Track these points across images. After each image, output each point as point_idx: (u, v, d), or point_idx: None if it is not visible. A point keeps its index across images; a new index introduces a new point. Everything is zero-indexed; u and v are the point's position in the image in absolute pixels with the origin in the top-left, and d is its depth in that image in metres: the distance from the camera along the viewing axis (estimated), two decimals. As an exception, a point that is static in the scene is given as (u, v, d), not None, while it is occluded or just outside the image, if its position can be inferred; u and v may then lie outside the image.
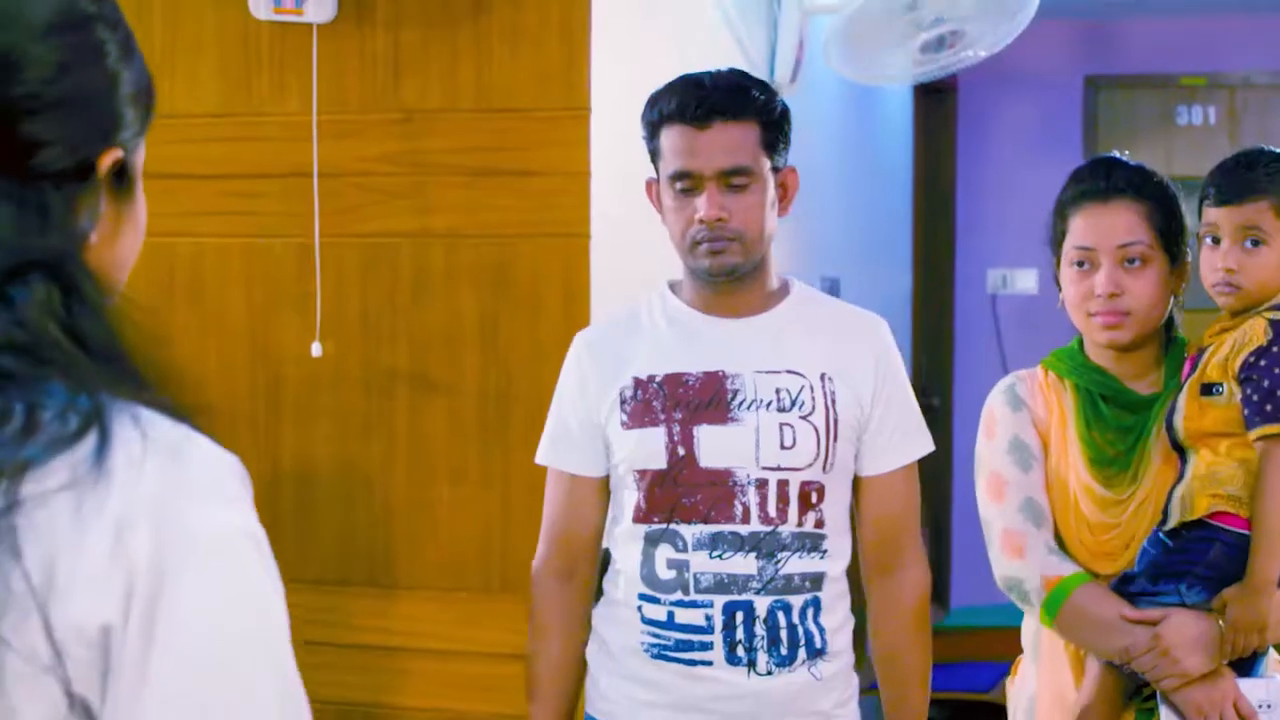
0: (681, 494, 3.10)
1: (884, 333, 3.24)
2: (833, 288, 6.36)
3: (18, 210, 1.29)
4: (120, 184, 1.40)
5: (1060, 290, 3.27)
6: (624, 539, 3.19)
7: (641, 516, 3.14)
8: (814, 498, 3.11)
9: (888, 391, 3.18)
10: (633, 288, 4.21)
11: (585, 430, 3.22)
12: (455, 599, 4.19)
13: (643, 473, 3.13)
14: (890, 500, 3.22)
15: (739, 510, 3.07)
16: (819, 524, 3.11)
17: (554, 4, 4.08)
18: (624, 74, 4.23)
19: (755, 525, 3.07)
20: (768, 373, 3.12)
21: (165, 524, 1.24)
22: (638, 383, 3.16)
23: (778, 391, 3.11)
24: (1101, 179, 3.20)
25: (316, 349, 4.20)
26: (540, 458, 3.32)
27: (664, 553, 3.11)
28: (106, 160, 1.38)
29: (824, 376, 3.13)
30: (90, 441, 1.25)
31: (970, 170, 9.17)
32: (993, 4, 5.01)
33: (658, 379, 3.14)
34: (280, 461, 4.31)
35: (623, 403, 3.16)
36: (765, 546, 3.07)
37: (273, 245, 4.30)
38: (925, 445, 3.25)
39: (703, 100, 3.11)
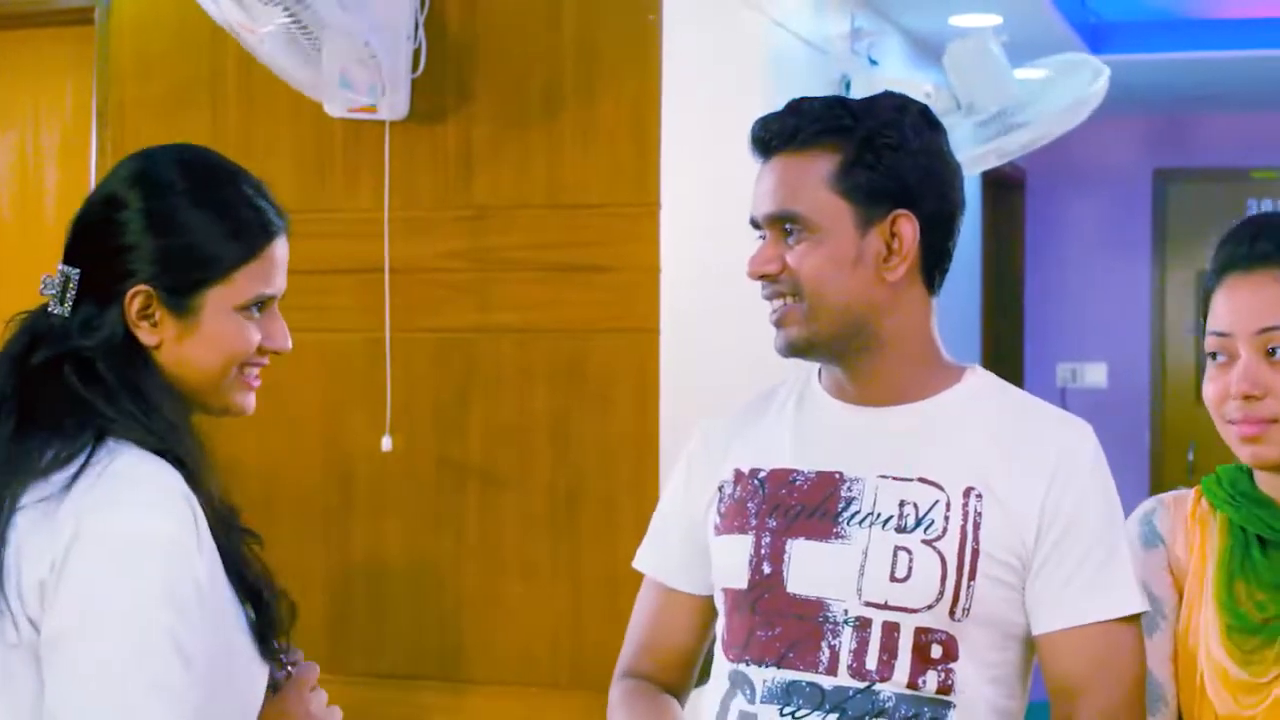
0: (758, 625, 2.36)
1: (1078, 444, 2.37)
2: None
3: (66, 321, 2.09)
4: (175, 307, 2.08)
5: None
6: (714, 678, 2.46)
7: (724, 649, 2.43)
8: (935, 652, 2.29)
9: (1068, 520, 2.31)
10: (703, 383, 4.22)
11: (686, 533, 2.53)
12: (525, 694, 4.18)
13: (725, 592, 2.43)
14: (1074, 669, 2.32)
15: (825, 656, 2.31)
16: (944, 689, 2.29)
17: (624, 101, 4.11)
18: (694, 170, 4.26)
19: (843, 678, 2.30)
20: (894, 480, 2.35)
21: (81, 526, 1.95)
22: (738, 476, 2.45)
23: (901, 505, 2.33)
24: (1245, 243, 2.37)
25: (386, 443, 4.22)
26: (636, 560, 2.64)
27: (737, 704, 2.37)
28: (131, 292, 2.07)
29: (969, 493, 2.32)
30: (73, 469, 1.98)
31: (1039, 263, 9.16)
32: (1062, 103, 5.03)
33: (761, 474, 2.42)
34: (351, 555, 4.32)
35: (720, 500, 2.47)
36: (853, 709, 2.28)
37: (344, 340, 4.33)
38: (1127, 600, 2.34)
39: (766, 124, 2.43)
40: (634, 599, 2.68)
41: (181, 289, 2.09)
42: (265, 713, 2.11)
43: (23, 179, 5.05)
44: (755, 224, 2.42)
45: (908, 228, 2.35)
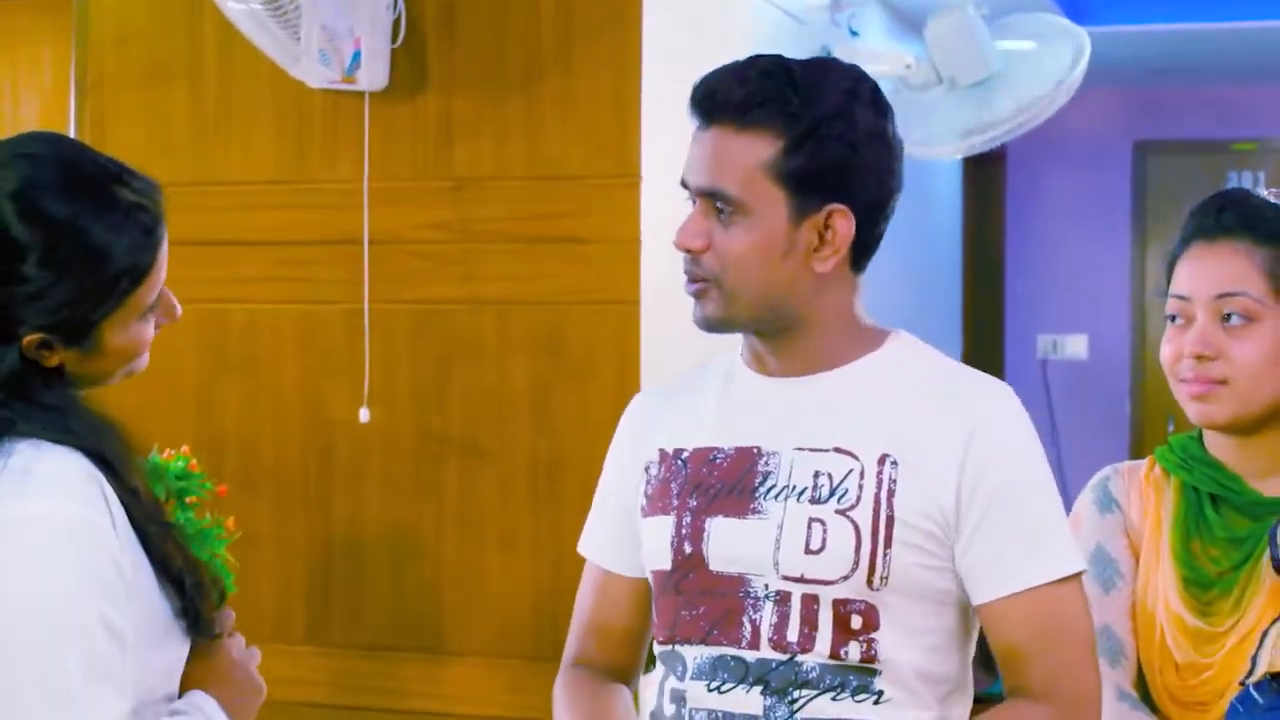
0: (683, 605, 2.34)
1: (995, 406, 2.32)
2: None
3: None
4: (76, 345, 2.06)
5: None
6: (657, 663, 2.43)
7: (656, 632, 2.42)
8: (855, 623, 2.25)
9: (993, 486, 2.25)
10: (683, 355, 4.22)
11: (619, 516, 2.50)
12: (505, 665, 4.19)
13: (654, 574, 2.40)
14: (1019, 636, 2.27)
15: (746, 630, 2.28)
16: (868, 659, 2.25)
17: (605, 73, 4.10)
18: (674, 141, 4.23)
19: (765, 651, 2.27)
20: (810, 451, 2.30)
21: None
22: (663, 457, 2.41)
23: (816, 476, 2.28)
24: (1211, 215, 2.49)
25: (365, 415, 4.22)
26: (579, 544, 2.60)
27: (669, 682, 2.35)
28: (27, 340, 2.03)
29: (884, 460, 2.27)
30: None
31: (1020, 236, 9.17)
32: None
33: (685, 454, 2.38)
34: (331, 527, 4.31)
35: (647, 482, 2.43)
36: (776, 680, 2.26)
37: (324, 311, 4.32)
38: (1064, 562, 2.28)
39: (710, 89, 2.33)
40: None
41: (80, 331, 2.08)
42: (190, 664, 2.12)
43: (1, 150, 5.03)
44: (685, 186, 2.34)
45: (843, 223, 2.28)
